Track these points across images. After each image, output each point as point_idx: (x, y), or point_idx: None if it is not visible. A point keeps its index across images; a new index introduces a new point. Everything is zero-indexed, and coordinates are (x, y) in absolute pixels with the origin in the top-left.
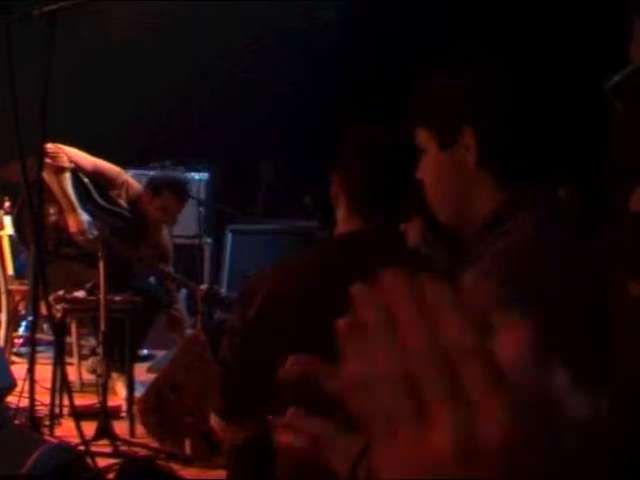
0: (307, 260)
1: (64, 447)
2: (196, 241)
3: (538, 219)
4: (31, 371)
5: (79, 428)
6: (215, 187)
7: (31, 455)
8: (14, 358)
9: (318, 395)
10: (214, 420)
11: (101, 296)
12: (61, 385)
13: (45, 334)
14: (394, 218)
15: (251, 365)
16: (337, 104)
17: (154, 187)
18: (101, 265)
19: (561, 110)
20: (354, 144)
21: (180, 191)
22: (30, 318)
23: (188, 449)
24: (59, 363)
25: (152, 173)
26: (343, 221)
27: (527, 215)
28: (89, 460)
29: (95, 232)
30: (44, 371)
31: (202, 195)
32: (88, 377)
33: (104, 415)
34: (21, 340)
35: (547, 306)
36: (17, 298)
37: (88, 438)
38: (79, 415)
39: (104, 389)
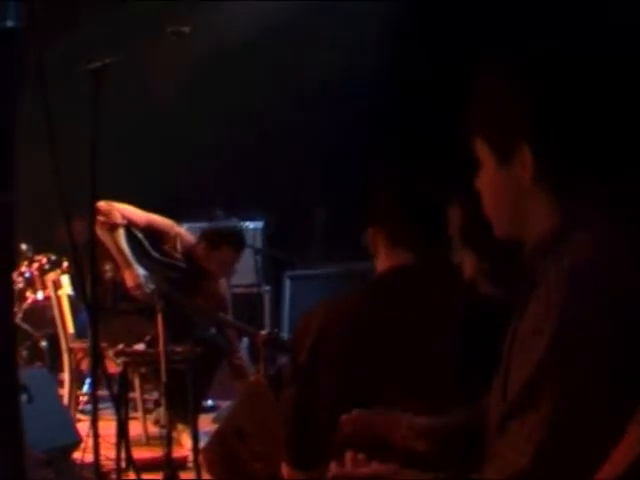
0: (357, 296)
1: None
2: (255, 289)
3: (598, 236)
4: (94, 423)
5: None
6: (270, 234)
7: None
8: (79, 416)
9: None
10: (284, 469)
11: (160, 347)
12: (119, 437)
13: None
14: (440, 251)
15: (308, 411)
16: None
17: (210, 240)
18: (159, 317)
19: (621, 127)
20: (387, 190)
21: (237, 242)
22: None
23: None
24: (119, 415)
25: (205, 225)
26: (385, 259)
27: (586, 233)
28: None
29: (152, 285)
30: (109, 427)
31: (258, 243)
32: (154, 430)
33: (169, 466)
34: (86, 398)
35: (613, 324)
36: (79, 356)
37: None
38: (145, 468)
39: (168, 440)
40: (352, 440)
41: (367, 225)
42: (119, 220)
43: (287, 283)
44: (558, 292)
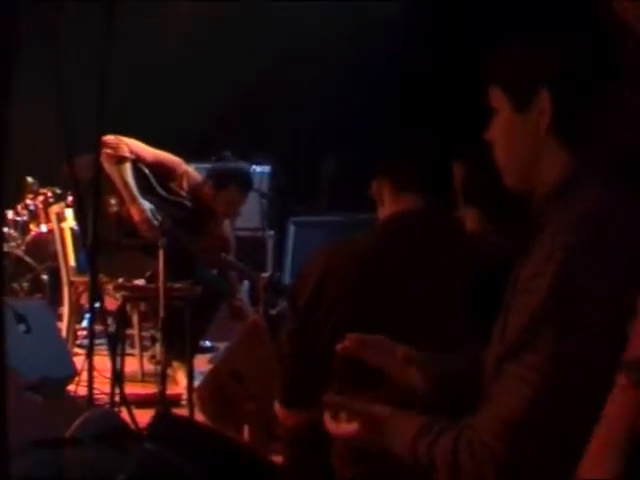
0: (362, 239)
1: (108, 412)
2: (259, 233)
3: (605, 187)
4: (90, 357)
5: (131, 415)
6: (277, 180)
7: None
8: (77, 350)
9: (368, 373)
10: (277, 408)
11: (160, 283)
12: (113, 371)
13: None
14: (445, 200)
15: (305, 351)
16: (401, 99)
17: (217, 180)
18: (161, 253)
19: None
20: (397, 140)
21: (244, 183)
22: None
23: (247, 436)
24: (114, 350)
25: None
26: (391, 205)
27: (596, 184)
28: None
29: (158, 220)
30: (105, 362)
31: (264, 188)
32: (150, 368)
33: (162, 402)
34: (84, 333)
35: (613, 272)
36: (79, 290)
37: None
38: (138, 404)
39: (163, 375)
40: (345, 369)
41: (374, 175)
42: (127, 154)
43: (291, 229)
44: (562, 237)
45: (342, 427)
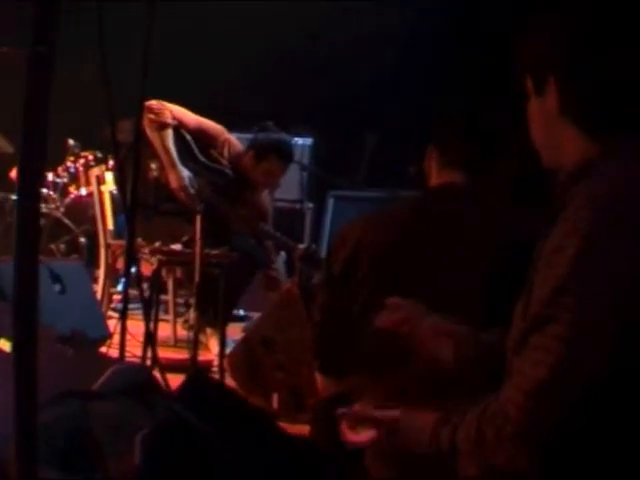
0: (396, 211)
1: (137, 366)
2: (297, 205)
3: (621, 169)
4: (123, 319)
5: (164, 379)
6: (319, 153)
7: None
8: (111, 313)
9: (398, 349)
10: (316, 375)
11: (197, 249)
12: (146, 334)
13: (144, 292)
14: (485, 175)
15: (339, 318)
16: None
17: (259, 150)
18: (198, 219)
19: None
20: (449, 110)
21: (285, 154)
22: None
23: (275, 404)
24: (148, 313)
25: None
26: (436, 176)
27: (618, 162)
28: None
29: (195, 188)
30: (139, 326)
31: (305, 160)
32: (183, 334)
33: (193, 367)
34: (119, 297)
35: (637, 244)
36: (116, 253)
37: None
38: (170, 368)
39: (195, 340)
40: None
41: (424, 145)
42: (169, 120)
43: (330, 202)
44: (585, 212)
45: (361, 436)
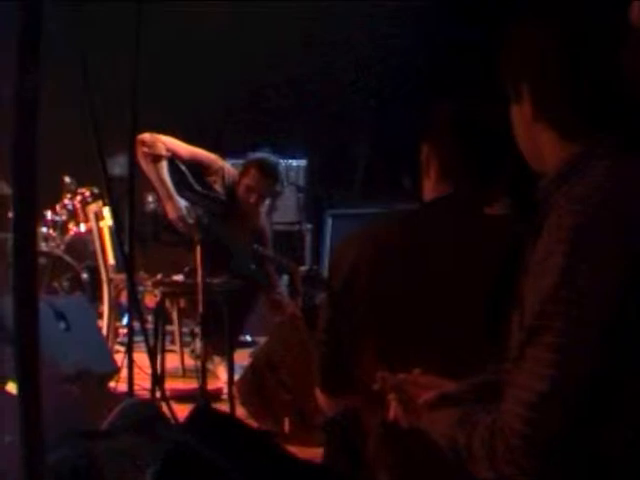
0: (396, 225)
1: (145, 402)
2: (296, 227)
3: (609, 165)
4: (129, 353)
5: (171, 410)
6: (313, 172)
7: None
8: (118, 347)
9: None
10: (317, 393)
11: (199, 278)
12: (153, 366)
13: (149, 324)
14: (483, 188)
15: (341, 335)
16: (432, 84)
17: (242, 167)
18: (198, 248)
19: (613, 61)
20: (448, 115)
21: (265, 168)
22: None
23: (287, 427)
24: (153, 346)
25: None
26: (432, 189)
27: (598, 163)
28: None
29: (193, 217)
30: (146, 359)
31: (300, 181)
32: (190, 363)
33: (203, 397)
34: (125, 330)
35: (625, 244)
36: (119, 287)
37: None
38: (179, 399)
39: (203, 369)
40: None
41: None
42: (163, 152)
43: (329, 221)
44: (569, 217)
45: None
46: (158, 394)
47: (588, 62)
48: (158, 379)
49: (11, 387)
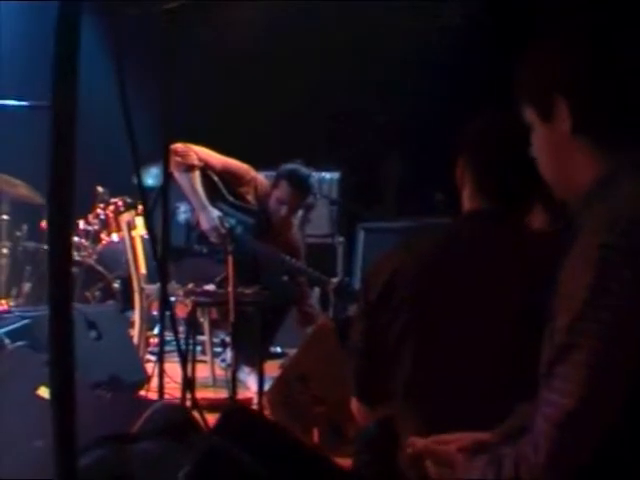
0: (432, 239)
1: (175, 406)
2: (329, 240)
3: (634, 186)
4: (160, 362)
5: (203, 417)
6: (347, 186)
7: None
8: (149, 357)
9: None
10: (353, 404)
11: (230, 288)
12: (184, 375)
13: (180, 334)
14: (518, 203)
15: (376, 347)
16: (465, 101)
17: (273, 179)
18: (230, 259)
19: None
20: (482, 130)
21: (295, 181)
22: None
23: (316, 438)
24: (185, 355)
25: None
26: (468, 200)
27: (627, 180)
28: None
29: (226, 228)
30: (177, 369)
31: (334, 194)
32: (221, 373)
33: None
34: (156, 340)
35: None
36: (151, 297)
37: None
38: (209, 408)
39: (233, 379)
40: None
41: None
42: (195, 162)
43: (361, 235)
44: (598, 237)
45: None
46: (189, 403)
47: (626, 71)
48: (189, 384)
49: (42, 391)
